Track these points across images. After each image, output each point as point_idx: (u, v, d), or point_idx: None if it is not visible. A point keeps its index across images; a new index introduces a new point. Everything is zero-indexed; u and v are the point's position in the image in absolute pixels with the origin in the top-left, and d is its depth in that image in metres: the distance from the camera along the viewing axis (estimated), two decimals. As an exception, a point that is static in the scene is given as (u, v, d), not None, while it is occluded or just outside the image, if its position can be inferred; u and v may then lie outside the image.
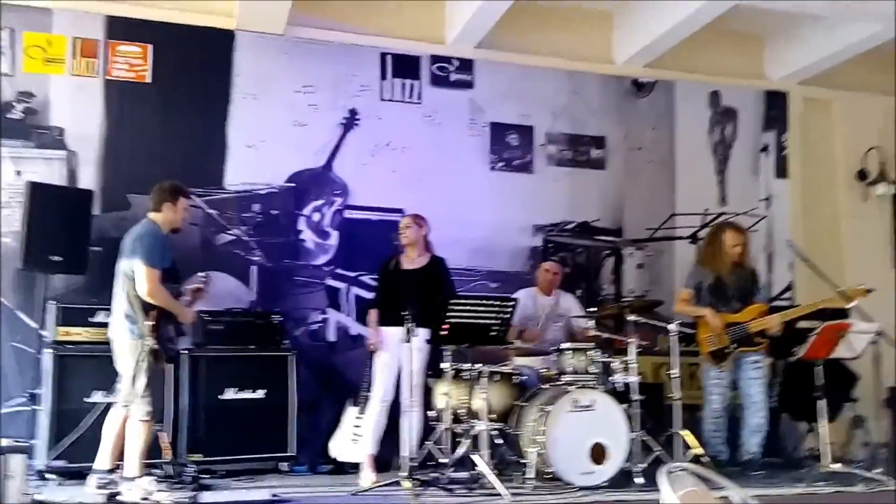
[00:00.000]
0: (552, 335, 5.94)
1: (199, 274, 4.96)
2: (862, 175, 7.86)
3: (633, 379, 5.05)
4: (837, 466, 5.17)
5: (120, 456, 4.55)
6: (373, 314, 5.35)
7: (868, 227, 7.63)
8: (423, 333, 4.94)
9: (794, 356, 5.72)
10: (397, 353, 5.06)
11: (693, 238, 7.14)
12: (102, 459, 4.55)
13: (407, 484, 4.57)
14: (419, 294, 5.01)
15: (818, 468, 5.24)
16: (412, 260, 5.27)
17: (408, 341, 4.71)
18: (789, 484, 5.01)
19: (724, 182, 7.54)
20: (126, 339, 4.49)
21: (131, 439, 4.44)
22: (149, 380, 4.42)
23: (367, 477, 4.98)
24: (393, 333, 5.09)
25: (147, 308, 4.45)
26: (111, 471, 4.54)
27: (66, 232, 5.28)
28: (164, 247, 4.56)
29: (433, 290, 5.13)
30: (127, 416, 4.54)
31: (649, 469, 4.82)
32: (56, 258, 5.25)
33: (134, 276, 4.46)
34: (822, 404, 5.28)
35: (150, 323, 4.42)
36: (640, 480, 4.79)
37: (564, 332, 6.00)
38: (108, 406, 4.72)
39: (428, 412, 5.30)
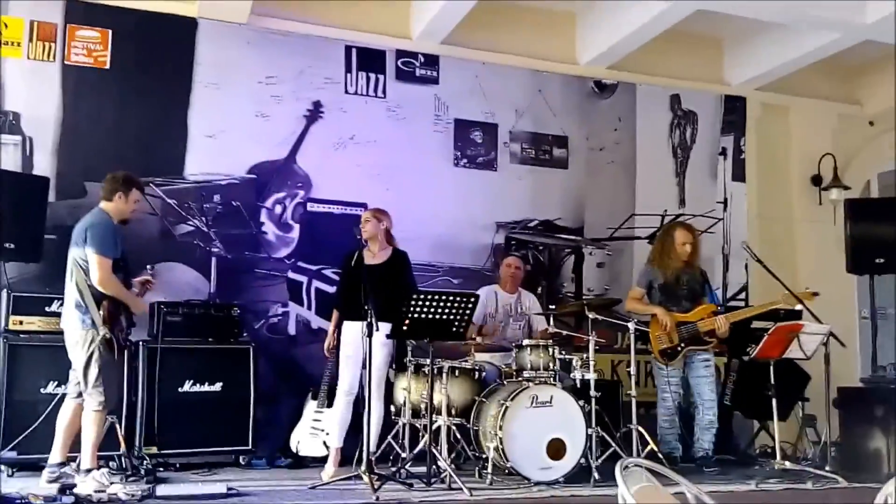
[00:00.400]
0: (512, 333, 5.97)
1: (148, 267, 4.95)
2: (816, 180, 8.04)
3: (592, 376, 5.10)
4: (788, 464, 5.29)
5: (73, 448, 4.49)
6: (335, 315, 5.32)
7: (821, 231, 7.81)
8: (384, 328, 4.93)
9: (747, 355, 5.84)
10: (361, 346, 5.05)
11: (652, 238, 7.25)
12: (54, 453, 4.49)
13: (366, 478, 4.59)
14: (381, 288, 4.98)
15: (770, 465, 5.35)
16: (374, 254, 5.25)
17: (369, 336, 4.69)
18: (741, 480, 5.10)
19: (682, 184, 7.66)
20: (77, 329, 4.44)
21: (85, 430, 4.39)
22: (101, 370, 4.37)
23: (328, 470, 4.96)
24: (356, 327, 5.07)
25: (99, 298, 4.41)
26: (62, 464, 4.48)
27: (20, 219, 5.15)
28: (116, 236, 4.54)
29: (395, 285, 5.13)
30: (79, 408, 4.48)
31: (605, 465, 4.87)
32: (9, 245, 5.12)
33: (85, 265, 4.43)
34: (774, 403, 5.38)
35: (103, 312, 4.38)
36: (596, 476, 4.84)
37: (525, 330, 6.03)
38: (63, 397, 4.64)
39: (390, 406, 5.32)
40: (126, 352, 4.65)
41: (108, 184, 4.68)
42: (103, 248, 4.42)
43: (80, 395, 4.50)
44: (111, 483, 4.29)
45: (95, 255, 4.41)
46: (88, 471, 4.35)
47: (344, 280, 5.33)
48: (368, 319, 4.66)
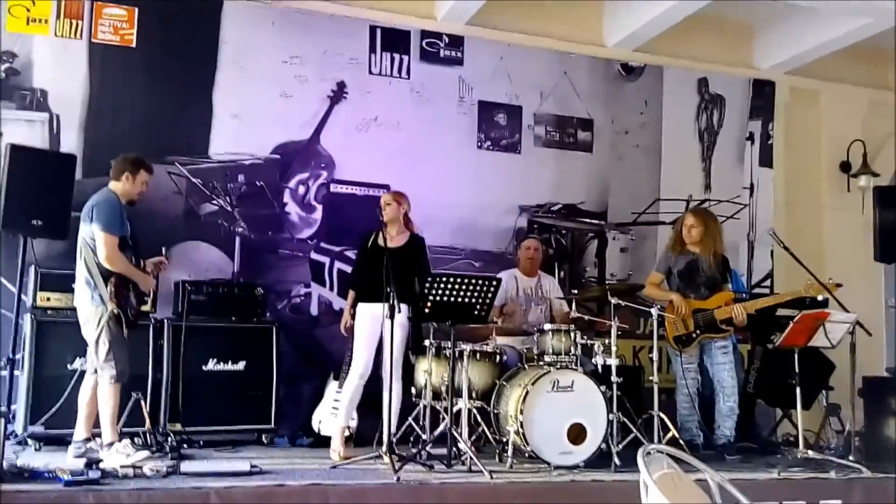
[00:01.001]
0: (534, 317, 5.95)
1: (163, 249, 5.04)
2: (845, 166, 7.93)
3: (613, 361, 5.08)
4: (811, 453, 5.24)
5: (96, 423, 4.56)
6: (351, 295, 5.32)
7: (849, 219, 7.71)
8: (405, 310, 4.95)
9: (772, 343, 5.79)
10: (377, 328, 5.07)
11: (675, 223, 7.18)
12: (79, 429, 4.58)
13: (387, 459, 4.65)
14: (399, 272, 4.98)
15: (793, 454, 5.31)
16: (392, 237, 5.23)
17: (391, 317, 4.70)
18: (764, 469, 5.07)
19: (708, 169, 7.59)
20: (87, 305, 4.53)
21: (101, 405, 4.48)
22: (110, 345, 4.45)
23: (336, 450, 5.00)
24: (372, 309, 5.09)
25: (107, 275, 4.48)
26: (88, 439, 4.56)
27: (47, 196, 5.14)
28: (122, 215, 4.60)
29: (412, 269, 5.13)
30: (97, 383, 4.55)
31: (626, 450, 4.86)
32: (36, 222, 5.15)
33: (92, 243, 4.53)
34: (798, 391, 5.33)
35: (110, 288, 4.45)
36: (617, 461, 4.83)
37: (546, 314, 6.01)
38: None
39: (411, 388, 5.34)
40: (137, 327, 4.68)
41: (117, 164, 4.77)
42: (109, 225, 4.51)
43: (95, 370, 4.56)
44: (136, 451, 4.36)
45: (101, 232, 4.50)
46: (111, 444, 4.42)
47: (361, 261, 5.32)
48: (391, 301, 4.67)
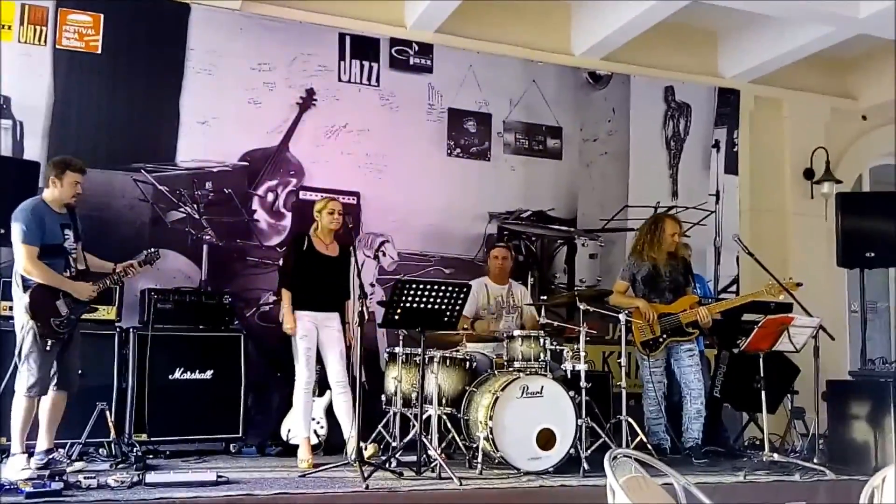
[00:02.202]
0: (505, 325, 5.97)
1: (152, 249, 4.94)
2: (808, 173, 8.06)
3: (582, 367, 5.11)
4: (777, 456, 5.30)
5: (59, 435, 4.54)
6: (286, 296, 5.19)
7: (813, 225, 7.84)
8: (338, 318, 5.18)
9: (737, 348, 5.86)
10: (315, 336, 5.11)
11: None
12: (40, 440, 4.51)
13: (370, 449, 4.86)
14: (336, 279, 5.22)
15: (758, 457, 5.38)
16: (326, 246, 5.27)
17: (360, 325, 4.71)
18: (730, 472, 5.12)
19: (675, 176, 7.68)
20: (17, 316, 4.46)
21: (13, 414, 4.39)
22: (27, 356, 4.36)
23: (304, 459, 4.99)
24: (313, 317, 5.13)
25: (28, 285, 4.39)
26: (49, 450, 4.50)
27: (9, 204, 5.10)
28: (42, 222, 4.45)
29: (346, 278, 5.26)
30: (57, 396, 4.51)
31: (595, 455, 4.89)
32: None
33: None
34: (763, 395, 5.40)
35: (26, 299, 4.36)
36: (585, 466, 4.85)
37: (517, 322, 6.03)
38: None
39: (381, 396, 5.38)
40: (63, 338, 4.48)
41: (45, 171, 4.67)
42: (23, 235, 4.39)
43: (56, 382, 4.49)
44: (23, 469, 4.24)
45: (18, 243, 4.41)
46: (14, 455, 4.34)
47: (298, 265, 5.22)
48: (360, 308, 4.69)
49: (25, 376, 4.37)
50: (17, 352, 4.41)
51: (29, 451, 4.41)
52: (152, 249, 4.95)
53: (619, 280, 5.98)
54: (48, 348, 4.37)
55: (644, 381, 5.82)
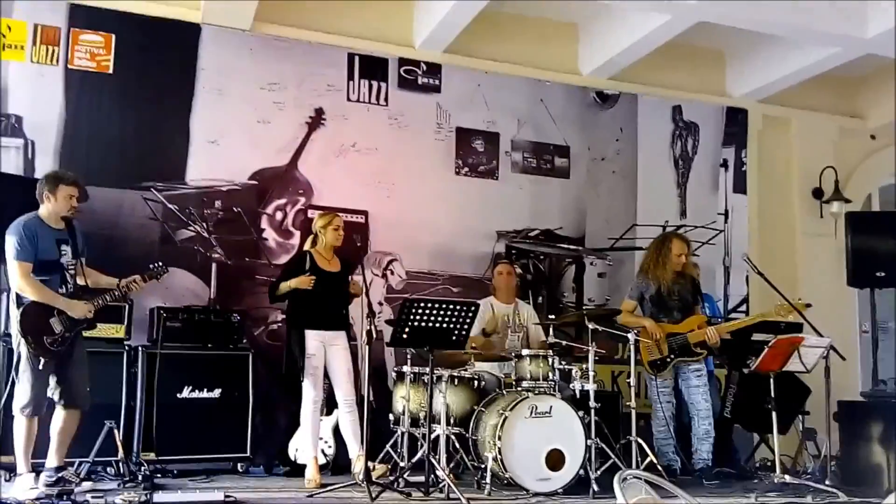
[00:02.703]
0: (511, 345, 5.95)
1: (159, 263, 4.91)
2: (817, 193, 8.05)
3: (591, 387, 5.09)
4: (788, 477, 5.26)
5: (67, 453, 4.52)
6: (286, 284, 5.15)
7: (822, 244, 7.82)
8: (344, 335, 5.19)
9: (747, 368, 5.83)
10: (323, 355, 5.11)
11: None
12: (50, 457, 4.50)
13: (379, 469, 4.86)
14: (340, 295, 5.20)
15: (770, 479, 5.34)
16: (329, 261, 5.26)
17: (368, 343, 4.71)
18: (741, 493, 5.09)
19: (684, 195, 7.67)
20: (13, 333, 4.44)
21: (15, 435, 4.37)
22: (20, 375, 4.34)
23: (311, 479, 4.97)
24: (321, 336, 5.13)
25: (24, 302, 4.38)
26: (60, 468, 4.48)
27: (20, 222, 5.13)
28: (35, 238, 4.42)
29: (350, 293, 5.29)
30: (67, 414, 4.51)
31: (605, 476, 4.85)
32: (9, 249, 5.10)
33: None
34: (774, 416, 5.36)
35: (18, 318, 4.35)
36: (595, 487, 4.81)
37: (523, 342, 6.01)
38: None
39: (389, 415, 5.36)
40: (58, 356, 4.45)
41: (38, 188, 4.58)
42: (14, 252, 4.37)
43: (62, 400, 4.48)
44: (32, 488, 4.23)
45: (10, 259, 4.38)
46: (20, 475, 4.33)
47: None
48: (368, 327, 4.69)
49: (20, 397, 4.35)
50: (13, 369, 4.40)
51: (36, 470, 4.39)
52: (159, 263, 4.90)
53: (627, 299, 5.97)
54: (41, 367, 4.33)
55: (652, 402, 5.79)
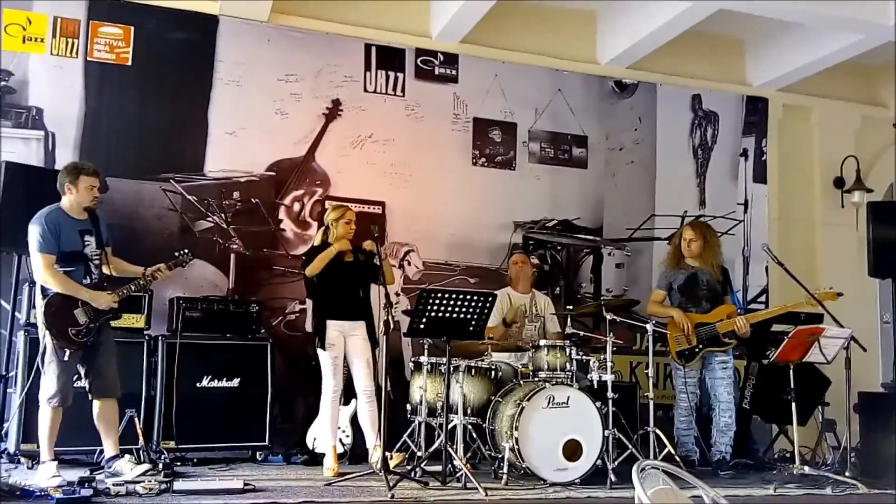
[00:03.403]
0: (528, 335, 5.96)
1: (185, 250, 4.93)
2: (838, 182, 7.97)
3: (609, 377, 5.08)
4: (807, 469, 5.23)
5: (118, 438, 4.59)
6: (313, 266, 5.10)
7: (843, 234, 7.75)
8: (364, 326, 5.16)
9: (767, 359, 5.79)
10: (343, 345, 5.12)
11: (670, 239, 7.21)
12: (106, 449, 4.57)
13: (396, 458, 4.86)
14: (358, 286, 5.19)
15: (788, 470, 5.30)
16: (345, 252, 5.24)
17: (385, 333, 4.73)
18: (759, 485, 5.06)
19: (703, 185, 7.61)
20: (39, 324, 4.47)
21: (40, 423, 4.41)
22: (46, 366, 4.37)
23: (330, 467, 5.00)
24: (341, 326, 5.12)
25: (48, 293, 4.40)
26: (115, 457, 4.53)
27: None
28: (58, 229, 4.44)
29: (368, 281, 5.25)
30: (102, 403, 4.54)
31: (622, 467, 4.85)
32: (31, 240, 5.16)
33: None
34: (793, 407, 5.33)
35: (41, 309, 4.38)
36: (612, 478, 4.81)
37: (540, 332, 6.01)
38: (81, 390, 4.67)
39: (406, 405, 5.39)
40: (85, 346, 4.47)
41: (58, 178, 4.59)
42: (37, 244, 4.39)
43: (93, 390, 4.53)
44: (52, 476, 4.27)
45: (33, 251, 4.41)
46: (44, 462, 4.36)
47: (322, 274, 5.14)
48: (386, 318, 4.70)
49: (46, 387, 4.39)
50: (38, 360, 4.44)
51: (58, 458, 4.44)
52: (185, 251, 4.93)
53: (656, 289, 5.94)
54: (66, 358, 4.37)
55: (677, 391, 5.75)
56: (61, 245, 4.43)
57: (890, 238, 6.28)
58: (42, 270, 4.39)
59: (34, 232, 4.41)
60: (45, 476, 4.28)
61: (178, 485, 4.22)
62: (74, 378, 4.50)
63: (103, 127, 5.98)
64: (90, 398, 4.55)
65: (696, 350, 5.65)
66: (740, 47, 7.80)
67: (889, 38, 6.62)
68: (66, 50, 5.96)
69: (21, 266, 5.27)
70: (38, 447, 4.48)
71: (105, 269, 4.66)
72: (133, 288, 4.70)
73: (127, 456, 4.57)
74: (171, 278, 5.15)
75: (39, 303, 4.43)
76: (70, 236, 4.48)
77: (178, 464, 5.02)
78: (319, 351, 5.09)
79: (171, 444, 5.18)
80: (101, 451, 4.64)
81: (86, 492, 3.89)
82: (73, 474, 4.34)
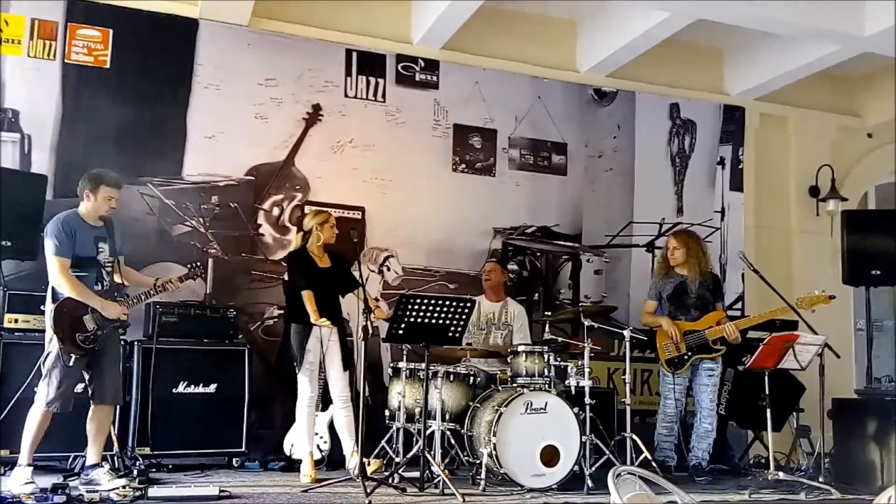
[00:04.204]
0: (494, 342, 5.99)
1: (197, 263, 5.09)
2: (814, 191, 8.06)
3: (587, 383, 5.10)
4: (782, 474, 5.27)
5: (102, 448, 4.57)
6: (309, 296, 5.06)
7: (818, 242, 7.85)
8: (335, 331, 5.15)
9: (742, 365, 5.84)
10: (319, 351, 5.11)
11: (649, 246, 7.29)
12: (89, 455, 4.52)
13: (374, 464, 4.90)
14: (337, 292, 5.22)
15: (763, 476, 5.34)
16: (320, 258, 5.27)
17: (364, 339, 4.72)
18: (734, 490, 5.11)
19: (680, 193, 7.68)
20: (47, 328, 4.47)
21: (26, 425, 4.37)
22: (48, 370, 4.35)
23: (307, 474, 4.98)
24: (315, 332, 5.11)
25: (59, 298, 4.40)
26: (97, 465, 4.49)
27: (17, 217, 5.14)
28: (74, 234, 4.47)
29: (342, 287, 5.27)
30: (97, 408, 4.53)
31: (599, 472, 4.87)
32: (5, 243, 5.12)
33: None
34: (768, 413, 5.38)
35: (52, 313, 4.37)
36: (589, 483, 4.83)
37: (506, 340, 6.03)
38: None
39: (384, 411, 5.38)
40: (93, 353, 4.48)
41: (79, 184, 4.64)
42: (54, 248, 4.41)
43: (94, 396, 4.51)
44: (28, 483, 4.23)
45: (50, 255, 4.43)
46: (20, 466, 4.32)
47: (308, 277, 5.16)
48: (364, 323, 4.69)
49: (45, 390, 4.35)
50: (41, 363, 4.40)
51: (34, 464, 4.38)
52: (197, 263, 5.06)
53: (647, 300, 5.99)
54: (71, 364, 4.34)
55: (663, 397, 5.78)
56: (76, 249, 4.45)
57: (863, 246, 6.38)
58: (57, 274, 4.39)
59: (50, 234, 4.43)
60: (18, 482, 4.23)
61: (153, 491, 4.19)
62: (77, 384, 4.47)
63: (81, 130, 5.92)
64: (91, 403, 4.52)
65: (686, 358, 5.68)
66: (718, 57, 7.88)
67: (864, 49, 6.72)
68: (44, 52, 5.91)
69: (-5, 270, 5.21)
70: (12, 452, 4.42)
71: (116, 278, 4.68)
72: (143, 297, 4.75)
73: (106, 466, 4.53)
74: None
75: (49, 306, 4.41)
76: (85, 241, 4.51)
77: (154, 470, 4.98)
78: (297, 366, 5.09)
79: (147, 450, 5.14)
80: (76, 458, 4.59)
81: (59, 498, 3.86)
82: (47, 480, 4.28)
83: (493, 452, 4.81)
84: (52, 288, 4.44)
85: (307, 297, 5.05)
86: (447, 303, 4.85)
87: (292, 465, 5.35)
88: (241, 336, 5.79)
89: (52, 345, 4.37)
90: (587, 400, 5.05)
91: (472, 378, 5.38)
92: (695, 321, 5.74)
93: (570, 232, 7.25)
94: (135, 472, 4.67)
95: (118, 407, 5.02)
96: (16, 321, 5.11)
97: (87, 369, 4.49)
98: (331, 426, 5.40)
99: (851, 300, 7.83)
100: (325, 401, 5.38)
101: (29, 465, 4.34)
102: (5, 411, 4.72)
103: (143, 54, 6.13)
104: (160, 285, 4.78)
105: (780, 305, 5.65)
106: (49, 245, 4.42)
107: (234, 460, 5.48)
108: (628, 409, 5.33)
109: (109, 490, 4.19)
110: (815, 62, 7.12)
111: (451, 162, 6.95)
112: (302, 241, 5.27)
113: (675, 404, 5.68)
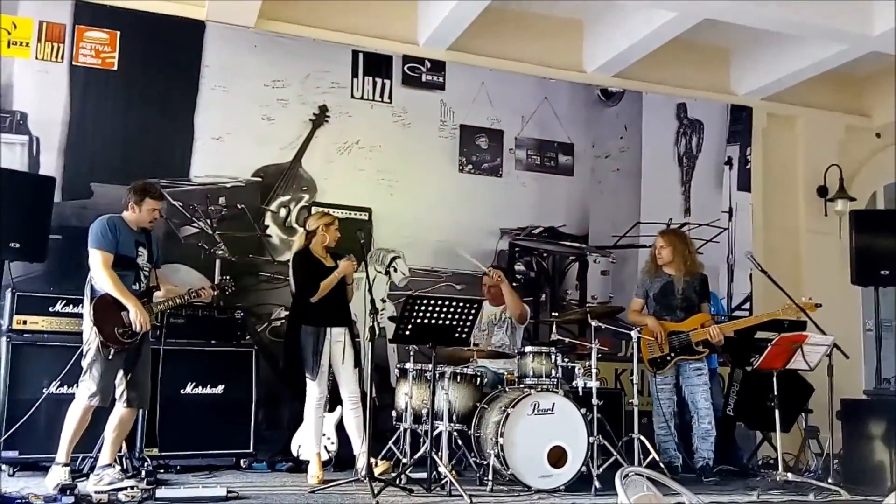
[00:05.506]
0: (497, 339, 5.96)
1: (226, 276, 5.28)
2: (822, 191, 8.03)
3: (594, 384, 5.09)
4: (791, 476, 5.25)
5: (118, 449, 4.61)
6: (326, 283, 5.11)
7: (827, 242, 7.81)
8: (348, 332, 5.16)
9: (750, 366, 5.82)
10: (328, 352, 5.11)
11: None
12: (103, 455, 4.54)
13: (382, 465, 4.91)
14: (343, 293, 5.21)
15: (772, 477, 5.32)
16: (325, 259, 5.26)
17: (371, 340, 4.72)
18: (743, 491, 5.09)
19: (688, 193, 7.66)
20: (85, 326, 4.52)
21: (67, 421, 4.41)
22: (90, 364, 4.40)
23: (314, 475, 4.98)
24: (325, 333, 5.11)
25: (97, 294, 4.45)
26: (109, 465, 4.50)
27: (25, 219, 5.16)
28: (116, 234, 4.57)
29: (345, 289, 5.27)
30: (123, 411, 4.56)
31: (607, 473, 4.86)
32: (14, 245, 5.13)
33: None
34: (776, 414, 5.36)
35: (91, 308, 4.42)
36: (597, 484, 4.82)
37: (508, 333, 6.00)
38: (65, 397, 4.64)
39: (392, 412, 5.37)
40: (129, 348, 4.54)
41: (126, 194, 4.77)
42: (96, 241, 4.51)
43: (125, 398, 4.54)
44: (62, 482, 4.26)
45: (91, 248, 4.51)
46: (60, 465, 4.36)
47: (309, 280, 5.16)
48: (371, 324, 4.70)
49: (87, 385, 4.39)
50: (82, 361, 4.44)
51: (66, 464, 4.40)
52: (226, 277, 5.24)
53: (635, 298, 5.98)
54: (111, 357, 4.41)
55: (654, 399, 5.78)
56: (118, 248, 4.54)
57: (872, 246, 6.34)
58: (100, 267, 4.48)
59: (95, 230, 4.54)
60: (53, 481, 4.26)
61: (161, 492, 4.20)
62: (116, 378, 4.51)
63: (88, 132, 5.95)
64: (124, 406, 4.55)
65: (668, 358, 5.68)
66: (726, 56, 7.86)
67: (871, 48, 6.70)
68: (52, 54, 5.94)
69: (4, 272, 5.22)
70: (21, 454, 4.44)
71: (152, 283, 4.77)
72: (177, 301, 4.89)
73: (118, 467, 4.54)
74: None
75: (87, 305, 4.48)
76: (127, 243, 4.62)
77: (162, 471, 4.99)
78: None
79: (155, 451, 5.13)
80: (84, 458, 4.60)
81: (67, 499, 3.87)
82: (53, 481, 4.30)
83: (501, 453, 4.80)
84: (91, 285, 4.50)
85: (324, 286, 5.08)
86: (454, 304, 4.85)
87: (300, 466, 5.35)
88: (248, 337, 5.80)
89: (91, 340, 4.42)
90: (594, 401, 5.04)
91: (479, 379, 5.37)
92: (680, 322, 5.73)
93: (576, 232, 7.24)
94: (143, 472, 4.67)
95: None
96: (24, 322, 5.12)
97: (123, 368, 4.53)
98: (338, 427, 5.40)
99: (860, 300, 7.80)
100: (332, 401, 5.38)
101: (66, 464, 4.38)
102: (26, 415, 4.76)
103: (150, 56, 6.16)
104: (194, 293, 4.93)
105: (785, 305, 5.62)
106: (93, 239, 4.52)
107: (241, 461, 5.48)
108: (636, 409, 5.31)
109: (118, 490, 4.20)
110: (822, 62, 7.10)
111: (458, 163, 6.95)
112: (305, 240, 5.28)
113: (664, 405, 5.67)
